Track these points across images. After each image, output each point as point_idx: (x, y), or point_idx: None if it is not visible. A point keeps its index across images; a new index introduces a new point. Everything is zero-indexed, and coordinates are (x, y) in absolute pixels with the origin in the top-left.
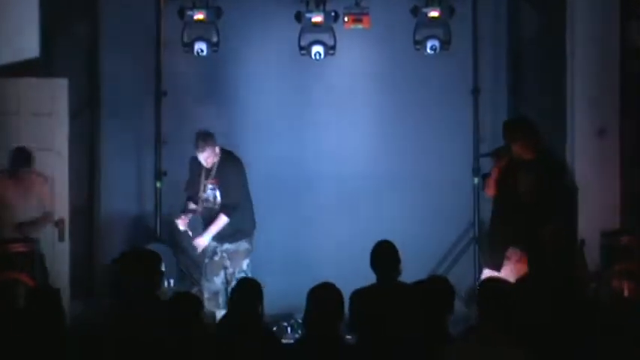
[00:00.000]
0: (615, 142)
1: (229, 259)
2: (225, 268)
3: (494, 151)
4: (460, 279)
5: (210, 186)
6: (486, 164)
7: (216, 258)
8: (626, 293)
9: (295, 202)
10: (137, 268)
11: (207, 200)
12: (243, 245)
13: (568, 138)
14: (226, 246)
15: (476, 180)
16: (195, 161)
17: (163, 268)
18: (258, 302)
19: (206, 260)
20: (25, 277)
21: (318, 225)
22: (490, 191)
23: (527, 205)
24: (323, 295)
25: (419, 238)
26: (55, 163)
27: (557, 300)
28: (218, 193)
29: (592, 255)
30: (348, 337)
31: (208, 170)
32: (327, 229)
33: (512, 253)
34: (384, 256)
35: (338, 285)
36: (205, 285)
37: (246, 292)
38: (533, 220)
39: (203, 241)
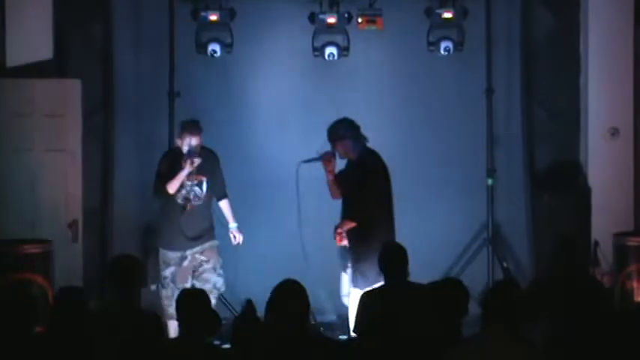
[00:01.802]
0: (629, 142)
1: (206, 256)
2: (195, 270)
3: (322, 154)
4: (474, 280)
5: (189, 183)
6: None
7: (186, 263)
8: (639, 294)
9: (308, 202)
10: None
11: (186, 198)
12: (215, 241)
13: (581, 139)
14: (198, 247)
15: (490, 181)
16: (172, 157)
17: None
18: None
19: (172, 269)
20: (40, 279)
21: (330, 226)
22: (335, 195)
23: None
24: (288, 292)
25: (432, 239)
26: (68, 164)
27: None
28: (203, 188)
29: (605, 256)
30: (343, 336)
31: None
32: None
33: None
34: (393, 257)
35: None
36: (174, 293)
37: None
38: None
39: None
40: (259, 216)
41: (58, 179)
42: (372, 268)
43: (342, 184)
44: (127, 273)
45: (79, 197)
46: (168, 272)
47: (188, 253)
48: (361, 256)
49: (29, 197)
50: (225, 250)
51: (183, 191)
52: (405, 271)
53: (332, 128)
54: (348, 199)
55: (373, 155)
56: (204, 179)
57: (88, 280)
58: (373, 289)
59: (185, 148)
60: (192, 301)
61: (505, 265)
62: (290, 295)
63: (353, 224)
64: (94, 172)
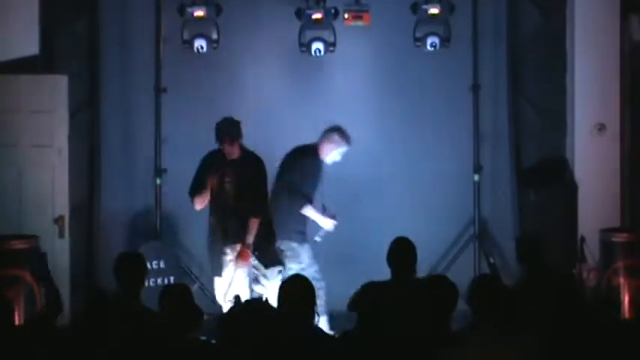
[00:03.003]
0: (615, 139)
1: None
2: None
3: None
4: (460, 276)
5: None
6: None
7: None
8: (625, 290)
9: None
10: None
11: None
12: None
13: (568, 135)
14: None
15: (476, 177)
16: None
17: (163, 265)
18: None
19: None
20: (26, 275)
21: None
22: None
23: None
24: (292, 288)
25: (419, 235)
26: (55, 160)
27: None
28: None
29: (592, 252)
30: (332, 332)
31: None
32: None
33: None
34: (402, 253)
35: (339, 283)
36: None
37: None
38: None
39: None
40: None
41: (45, 175)
42: (276, 254)
43: (238, 185)
44: (134, 271)
45: (65, 193)
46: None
47: None
48: (270, 246)
49: (16, 193)
50: None
51: None
52: (413, 268)
53: (233, 127)
54: (247, 195)
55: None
56: None
57: (74, 276)
58: (379, 282)
59: (337, 158)
60: (176, 296)
61: (491, 261)
62: (297, 292)
63: (257, 220)
64: (80, 168)
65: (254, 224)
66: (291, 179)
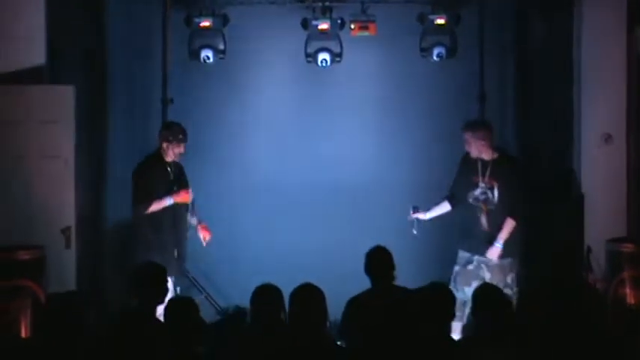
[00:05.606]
0: (622, 150)
1: (489, 271)
2: (482, 279)
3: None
4: None
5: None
6: None
7: (470, 267)
8: (631, 300)
9: (300, 207)
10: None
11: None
12: (507, 260)
13: (575, 145)
14: (484, 258)
15: None
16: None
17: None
18: (281, 308)
19: (457, 268)
20: (33, 285)
21: (322, 231)
22: None
23: None
24: (305, 296)
25: (424, 246)
26: (61, 170)
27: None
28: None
29: (598, 262)
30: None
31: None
32: (332, 236)
33: None
34: (379, 261)
35: (337, 290)
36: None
37: (268, 298)
38: None
39: (496, 250)
40: (254, 220)
41: (52, 186)
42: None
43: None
44: (154, 281)
45: (72, 204)
46: (454, 270)
47: (475, 258)
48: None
49: (22, 204)
50: (221, 253)
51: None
52: (391, 275)
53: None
54: None
55: None
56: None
57: (81, 286)
58: (359, 295)
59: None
60: (181, 310)
61: None
62: (307, 303)
63: None
64: (87, 178)
65: None
66: None
